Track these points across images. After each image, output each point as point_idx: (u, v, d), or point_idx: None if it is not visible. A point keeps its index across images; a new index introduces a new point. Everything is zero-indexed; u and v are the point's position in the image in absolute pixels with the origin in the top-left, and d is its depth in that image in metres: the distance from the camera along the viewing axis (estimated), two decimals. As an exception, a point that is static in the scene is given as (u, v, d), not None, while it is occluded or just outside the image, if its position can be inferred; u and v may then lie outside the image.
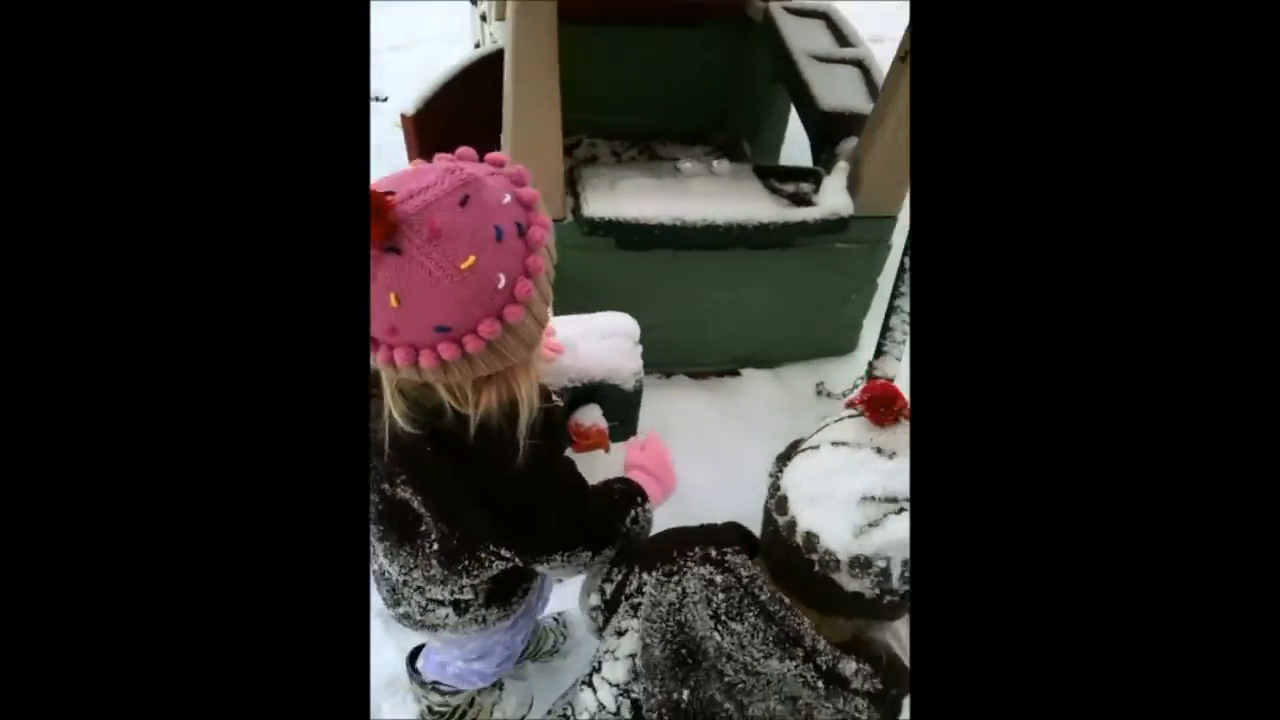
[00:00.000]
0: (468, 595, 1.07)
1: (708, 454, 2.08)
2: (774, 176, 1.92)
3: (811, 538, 0.75)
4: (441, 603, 1.08)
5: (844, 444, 0.76)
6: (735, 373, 2.24)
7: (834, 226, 1.85)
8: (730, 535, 0.90)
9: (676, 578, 0.86)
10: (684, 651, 0.84)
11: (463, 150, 0.80)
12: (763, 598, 0.80)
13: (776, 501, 0.81)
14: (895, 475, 0.73)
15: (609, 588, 0.98)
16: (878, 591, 0.74)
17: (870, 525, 0.73)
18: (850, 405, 0.82)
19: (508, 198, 0.77)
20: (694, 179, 1.87)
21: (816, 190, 1.86)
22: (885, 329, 1.85)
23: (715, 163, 1.92)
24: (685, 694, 0.85)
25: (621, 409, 1.35)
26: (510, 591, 1.12)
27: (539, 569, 1.03)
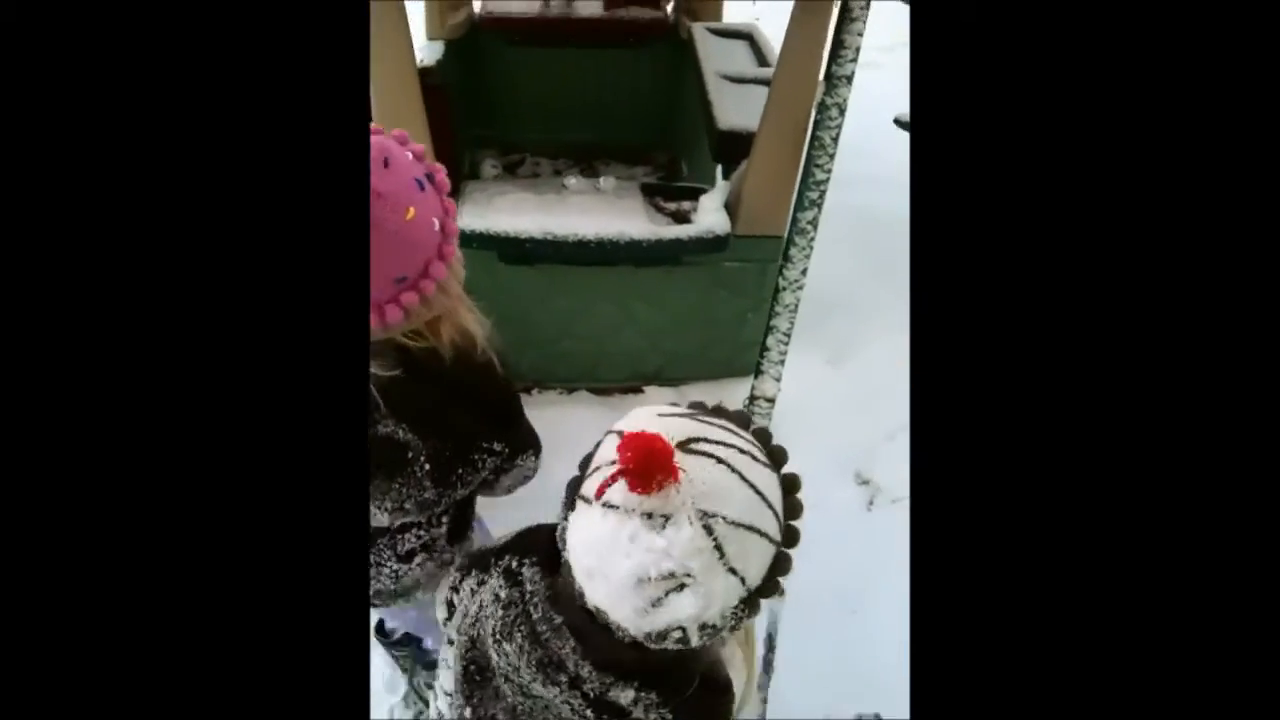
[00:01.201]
0: (437, 532, 1.13)
1: (600, 471, 2.08)
2: (660, 195, 1.92)
3: (600, 611, 0.69)
4: (414, 552, 1.12)
5: (613, 507, 0.66)
6: (639, 390, 2.24)
7: (711, 245, 1.84)
8: (540, 542, 0.81)
9: (480, 590, 0.84)
10: (473, 668, 0.82)
11: None
12: (534, 617, 0.75)
13: (564, 564, 0.73)
14: (669, 551, 0.64)
15: (450, 595, 0.96)
16: (680, 646, 0.69)
17: (654, 605, 0.66)
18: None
19: (409, 154, 0.87)
20: (576, 196, 1.89)
21: (695, 209, 1.86)
22: (763, 349, 1.84)
23: (601, 180, 1.93)
24: (468, 713, 0.84)
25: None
26: (465, 524, 1.21)
27: (511, 472, 1.11)
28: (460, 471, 1.02)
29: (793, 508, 0.72)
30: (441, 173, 0.90)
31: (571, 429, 2.19)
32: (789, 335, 1.82)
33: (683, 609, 0.65)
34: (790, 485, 0.73)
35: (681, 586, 0.65)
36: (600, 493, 0.66)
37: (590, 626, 0.72)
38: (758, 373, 1.86)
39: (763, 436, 0.75)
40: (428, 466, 1.00)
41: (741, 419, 0.75)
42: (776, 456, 0.74)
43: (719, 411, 0.76)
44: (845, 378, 2.32)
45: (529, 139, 2.91)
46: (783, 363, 1.84)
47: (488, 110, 2.82)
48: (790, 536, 0.71)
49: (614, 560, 0.66)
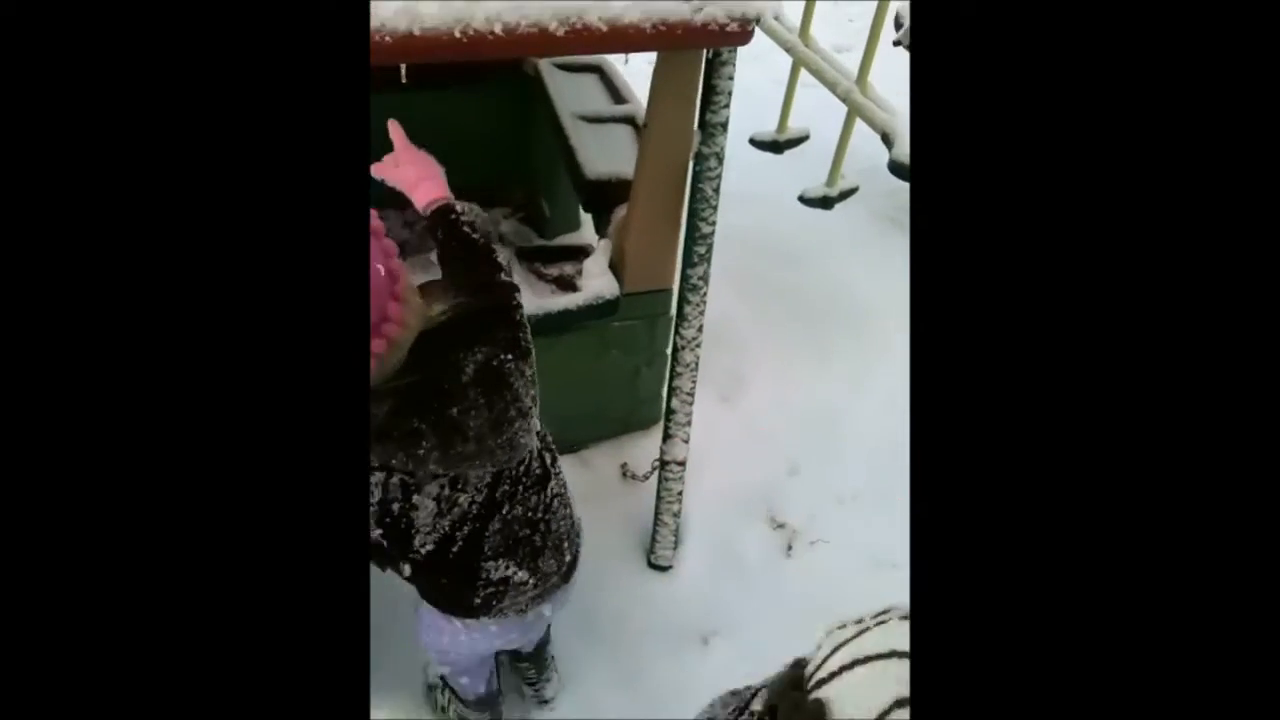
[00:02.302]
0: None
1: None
2: (539, 259, 1.79)
3: None
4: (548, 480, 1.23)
5: None
6: (534, 461, 2.10)
7: (601, 311, 1.73)
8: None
9: None
10: None
11: None
12: None
13: None
14: None
15: None
16: None
17: None
18: None
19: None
20: (446, 272, 1.72)
21: (580, 273, 1.74)
22: (668, 412, 1.74)
23: (472, 251, 1.77)
24: None
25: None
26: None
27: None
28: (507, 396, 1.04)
29: None
30: (374, 218, 0.94)
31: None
32: (692, 395, 1.73)
33: None
34: None
35: None
36: None
37: None
38: (666, 436, 1.76)
39: None
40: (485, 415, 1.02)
41: None
42: None
43: None
44: (739, 413, 2.27)
45: (374, 190, 2.69)
46: (689, 424, 1.75)
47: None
48: None
49: None
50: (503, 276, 1.16)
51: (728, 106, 1.58)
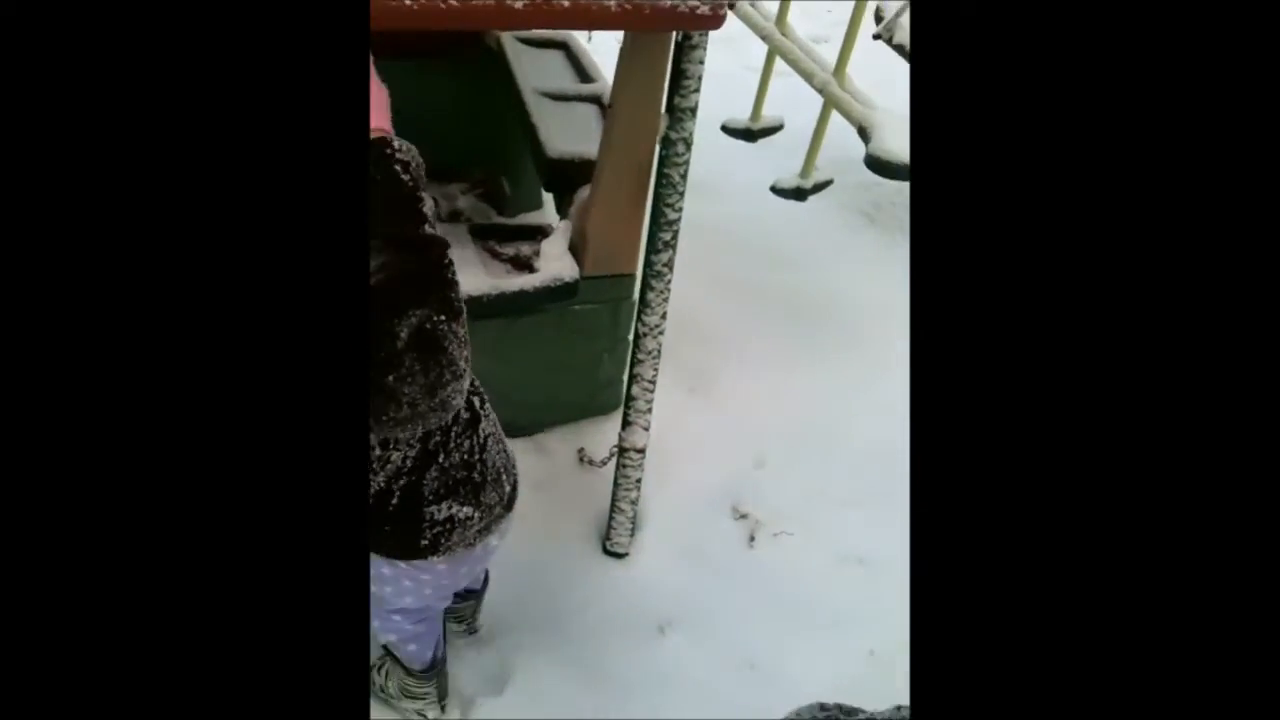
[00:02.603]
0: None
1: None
2: (494, 237, 1.74)
3: None
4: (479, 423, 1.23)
5: None
6: (489, 446, 2.05)
7: (559, 294, 1.69)
8: None
9: None
10: None
11: None
12: None
13: None
14: None
15: None
16: None
17: None
18: None
19: None
20: (400, 251, 1.66)
21: (537, 254, 1.69)
22: (628, 399, 1.71)
23: (427, 229, 1.72)
24: None
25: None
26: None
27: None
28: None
29: None
30: None
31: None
32: (654, 383, 1.70)
33: None
34: None
35: None
36: None
37: None
38: (625, 423, 1.73)
39: None
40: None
41: None
42: None
43: None
44: (706, 406, 2.24)
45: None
46: (650, 410, 1.72)
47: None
48: None
49: None
50: (428, 229, 1.09)
51: (697, 91, 1.54)
